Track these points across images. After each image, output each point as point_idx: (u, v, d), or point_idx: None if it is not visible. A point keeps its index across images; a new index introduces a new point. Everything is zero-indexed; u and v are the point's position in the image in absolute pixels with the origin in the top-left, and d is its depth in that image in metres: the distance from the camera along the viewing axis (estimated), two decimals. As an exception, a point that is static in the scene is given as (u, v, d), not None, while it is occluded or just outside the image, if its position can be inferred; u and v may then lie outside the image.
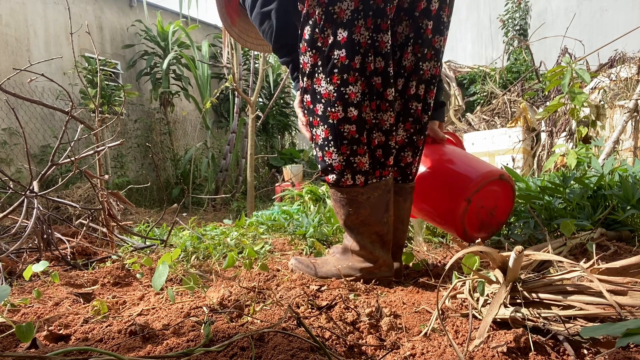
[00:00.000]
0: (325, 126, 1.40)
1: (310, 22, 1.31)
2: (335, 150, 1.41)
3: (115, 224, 2.49)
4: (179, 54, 8.33)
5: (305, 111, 1.45)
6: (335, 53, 1.31)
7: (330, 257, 1.62)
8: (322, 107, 1.38)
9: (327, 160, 1.44)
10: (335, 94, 1.35)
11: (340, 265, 1.54)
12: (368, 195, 1.45)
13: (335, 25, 1.29)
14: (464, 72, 7.28)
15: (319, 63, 1.34)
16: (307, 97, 1.42)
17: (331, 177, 1.46)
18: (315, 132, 1.43)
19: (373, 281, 1.53)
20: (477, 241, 1.14)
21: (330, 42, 1.31)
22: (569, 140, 3.77)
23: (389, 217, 1.52)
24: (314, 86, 1.38)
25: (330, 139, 1.40)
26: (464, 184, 1.64)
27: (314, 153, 1.48)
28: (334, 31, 1.30)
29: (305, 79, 1.39)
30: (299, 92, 1.46)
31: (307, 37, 1.33)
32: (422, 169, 1.74)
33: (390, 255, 1.57)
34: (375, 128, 1.43)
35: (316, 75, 1.36)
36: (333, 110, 1.37)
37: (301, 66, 1.38)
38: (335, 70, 1.32)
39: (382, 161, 1.46)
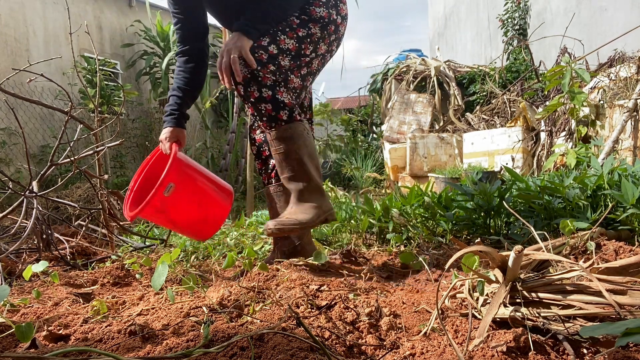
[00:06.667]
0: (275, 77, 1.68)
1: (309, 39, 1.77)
2: (285, 90, 1.69)
3: (115, 224, 2.49)
4: (179, 53, 8.31)
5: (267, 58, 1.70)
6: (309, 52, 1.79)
7: (292, 209, 1.72)
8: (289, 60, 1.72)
9: (279, 98, 1.67)
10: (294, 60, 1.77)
11: (309, 205, 1.69)
12: (307, 130, 1.75)
13: (313, 44, 1.79)
14: (464, 72, 7.27)
15: (294, 52, 1.74)
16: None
17: (284, 113, 1.68)
18: (267, 75, 1.66)
19: (373, 280, 1.53)
20: (476, 241, 1.14)
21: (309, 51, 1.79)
22: (569, 140, 3.77)
23: None
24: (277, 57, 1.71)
25: (280, 81, 1.69)
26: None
27: (261, 95, 1.67)
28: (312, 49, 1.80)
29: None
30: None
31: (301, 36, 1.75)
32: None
33: None
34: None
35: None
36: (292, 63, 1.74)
37: (279, 40, 1.71)
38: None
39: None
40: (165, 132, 1.91)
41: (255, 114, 1.73)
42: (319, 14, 1.78)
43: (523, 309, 0.99)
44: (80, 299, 1.49)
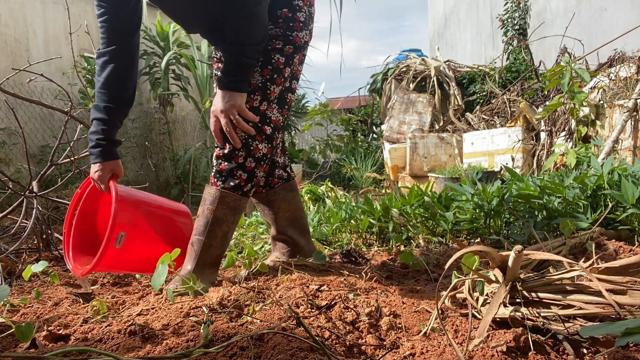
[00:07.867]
0: (269, 145, 1.58)
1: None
2: (263, 164, 1.58)
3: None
4: (178, 53, 8.32)
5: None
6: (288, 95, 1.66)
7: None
8: (271, 130, 1.58)
9: (256, 172, 1.57)
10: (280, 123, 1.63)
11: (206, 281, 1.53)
12: (245, 205, 1.62)
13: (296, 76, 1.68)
14: (464, 72, 7.27)
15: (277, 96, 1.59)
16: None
17: (248, 186, 1.57)
18: (257, 145, 1.54)
19: (373, 280, 1.53)
20: (476, 241, 1.14)
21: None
22: (569, 140, 3.77)
23: None
24: (267, 112, 1.57)
25: (267, 156, 1.58)
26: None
27: (244, 162, 1.54)
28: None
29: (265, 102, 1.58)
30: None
31: (287, 74, 1.60)
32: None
33: None
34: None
35: (270, 104, 1.57)
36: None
37: (269, 93, 1.57)
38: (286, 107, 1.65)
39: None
40: (96, 169, 1.55)
41: (224, 173, 1.54)
42: (302, 39, 1.60)
43: (523, 309, 0.99)
44: (80, 299, 1.49)
